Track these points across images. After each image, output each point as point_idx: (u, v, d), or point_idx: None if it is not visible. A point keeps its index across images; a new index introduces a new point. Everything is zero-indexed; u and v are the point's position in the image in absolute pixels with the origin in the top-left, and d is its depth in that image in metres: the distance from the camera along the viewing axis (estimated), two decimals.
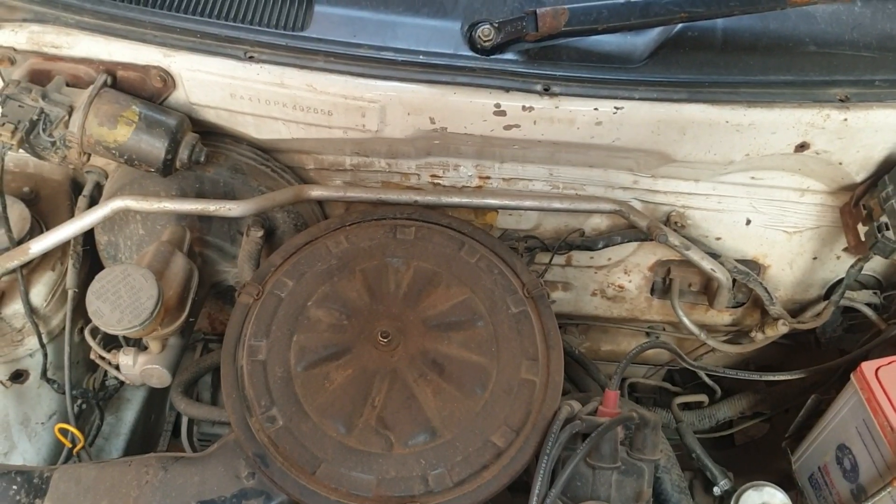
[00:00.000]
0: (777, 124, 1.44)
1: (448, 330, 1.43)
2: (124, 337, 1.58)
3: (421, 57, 1.46)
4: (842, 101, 1.44)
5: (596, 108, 1.43)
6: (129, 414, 1.93)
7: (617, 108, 1.43)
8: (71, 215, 1.69)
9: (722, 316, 1.88)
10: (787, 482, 1.66)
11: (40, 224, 1.68)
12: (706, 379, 1.93)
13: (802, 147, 1.48)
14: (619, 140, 1.48)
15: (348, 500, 1.25)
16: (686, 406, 1.98)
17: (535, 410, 1.35)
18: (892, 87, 1.44)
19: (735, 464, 1.84)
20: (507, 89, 1.44)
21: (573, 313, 1.93)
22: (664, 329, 1.98)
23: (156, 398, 1.99)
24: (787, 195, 1.65)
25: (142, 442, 1.93)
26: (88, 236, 1.71)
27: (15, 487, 1.33)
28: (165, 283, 1.43)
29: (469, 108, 1.45)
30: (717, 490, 1.67)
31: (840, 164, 1.51)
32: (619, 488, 1.31)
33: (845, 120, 1.44)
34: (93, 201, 1.70)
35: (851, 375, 1.46)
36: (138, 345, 1.54)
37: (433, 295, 1.47)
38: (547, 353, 1.42)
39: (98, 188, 1.75)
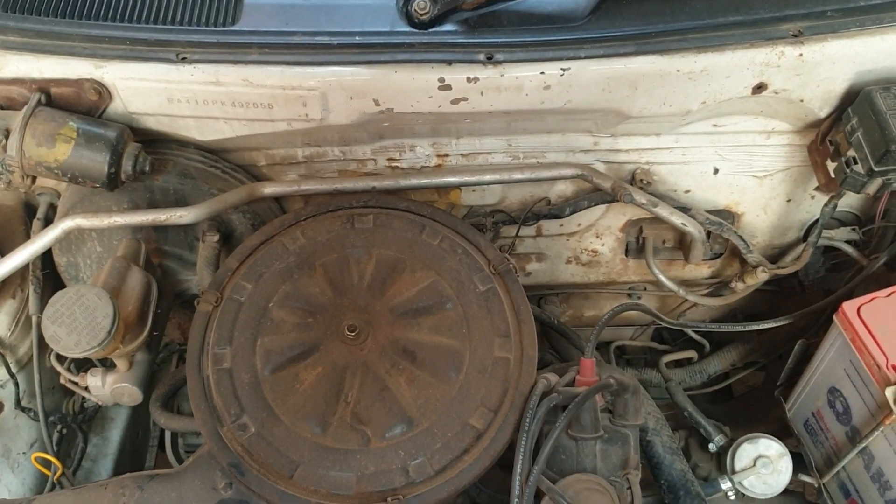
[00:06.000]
0: (731, 67, 1.40)
1: (417, 316, 1.40)
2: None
3: (357, 38, 1.41)
4: (795, 36, 1.39)
5: (542, 72, 1.39)
6: (115, 433, 1.90)
7: (563, 69, 1.38)
8: (27, 240, 1.65)
9: (700, 269, 1.84)
10: (786, 430, 1.64)
11: None
12: (692, 334, 1.90)
13: (760, 88, 1.44)
14: (571, 102, 1.44)
15: (329, 501, 1.23)
16: (677, 363, 1.96)
17: (511, 388, 1.33)
18: (844, 17, 1.40)
19: (734, 416, 1.83)
20: (450, 62, 1.39)
21: (551, 283, 1.90)
22: (645, 289, 1.95)
23: (141, 414, 1.96)
24: (753, 139, 1.61)
25: (130, 460, 1.90)
26: (48, 259, 1.68)
27: None
28: (123, 299, 1.40)
29: (413, 86, 1.41)
30: (712, 447, 1.65)
31: (801, 101, 1.47)
32: (605, 457, 1.29)
33: (800, 55, 1.39)
34: (47, 223, 1.66)
35: (834, 317, 1.43)
36: (107, 364, 1.51)
37: (398, 282, 1.44)
38: (519, 328, 1.39)
39: (52, 209, 1.71)
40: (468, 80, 1.39)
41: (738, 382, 2.09)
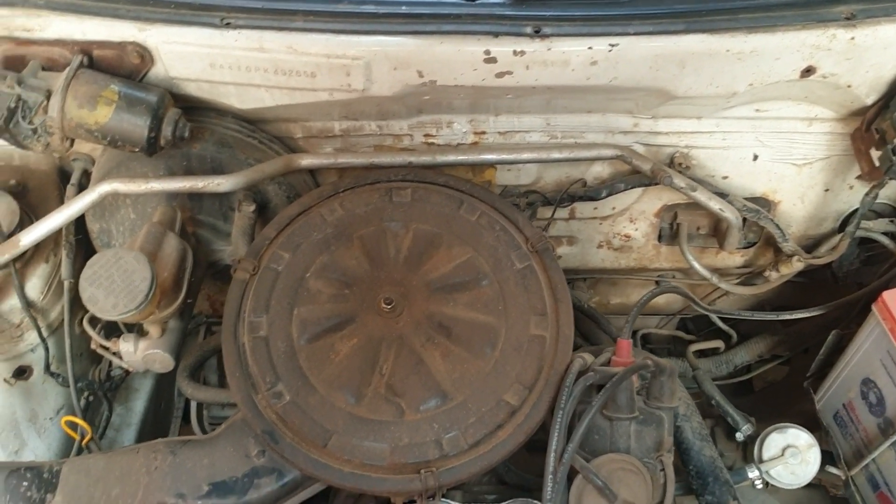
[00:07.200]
0: (781, 49, 1.38)
1: (453, 291, 1.39)
2: (124, 324, 1.55)
3: (404, 7, 1.40)
4: (847, 18, 1.37)
5: (590, 47, 1.37)
6: (139, 403, 1.90)
7: (612, 45, 1.37)
8: (60, 205, 1.65)
9: (734, 258, 1.82)
10: (810, 424, 1.62)
11: (30, 216, 1.64)
12: (720, 323, 1.88)
13: (808, 71, 1.42)
14: (617, 79, 1.42)
15: (362, 471, 1.23)
16: (702, 354, 1.94)
17: (546, 365, 1.32)
18: None
19: (755, 409, 1.80)
20: (497, 34, 1.38)
21: (580, 267, 1.88)
22: (674, 276, 1.93)
23: (164, 385, 1.96)
24: (795, 126, 1.59)
25: (153, 431, 1.90)
26: (81, 225, 1.67)
27: (25, 483, 1.31)
28: (159, 265, 1.39)
29: (458, 58, 1.39)
30: (739, 436, 1.63)
31: (849, 86, 1.45)
32: (639, 438, 1.28)
33: (852, 39, 1.37)
34: (81, 189, 1.65)
35: (873, 306, 1.41)
36: (139, 331, 1.51)
37: (435, 257, 1.43)
38: (555, 306, 1.38)
39: (86, 175, 1.70)
40: (514, 53, 1.38)
41: (758, 378, 2.08)
